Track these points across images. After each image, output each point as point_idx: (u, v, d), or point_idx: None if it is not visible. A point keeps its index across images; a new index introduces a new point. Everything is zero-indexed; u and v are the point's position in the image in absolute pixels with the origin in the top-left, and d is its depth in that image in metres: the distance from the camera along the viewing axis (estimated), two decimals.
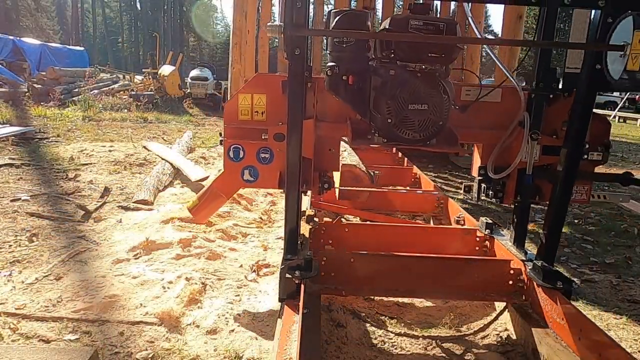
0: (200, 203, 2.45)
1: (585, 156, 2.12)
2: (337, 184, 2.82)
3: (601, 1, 1.63)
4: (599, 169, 2.27)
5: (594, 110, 1.97)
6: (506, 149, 2.22)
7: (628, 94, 24.49)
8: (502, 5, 4.46)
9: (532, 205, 4.95)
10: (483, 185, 2.35)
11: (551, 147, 2.16)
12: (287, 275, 1.96)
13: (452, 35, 1.91)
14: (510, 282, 2.22)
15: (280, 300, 1.99)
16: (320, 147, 2.27)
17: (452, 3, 8.70)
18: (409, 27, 1.86)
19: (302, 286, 1.94)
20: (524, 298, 2.17)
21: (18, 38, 17.41)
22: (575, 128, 1.93)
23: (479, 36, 2.43)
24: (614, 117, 19.97)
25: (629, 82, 1.69)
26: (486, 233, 2.61)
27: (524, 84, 2.22)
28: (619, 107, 21.75)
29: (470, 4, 2.41)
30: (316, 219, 2.70)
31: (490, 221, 2.62)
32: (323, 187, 2.30)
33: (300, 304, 1.82)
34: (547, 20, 2.04)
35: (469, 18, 2.24)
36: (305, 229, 2.51)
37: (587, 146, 2.11)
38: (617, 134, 13.78)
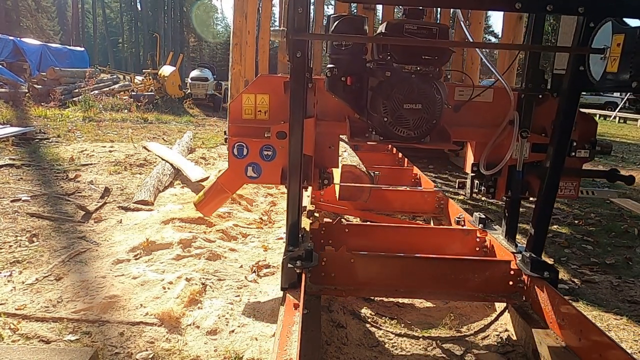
0: (206, 198, 2.59)
1: (573, 153, 2.22)
2: (337, 185, 2.84)
3: (580, 8, 1.70)
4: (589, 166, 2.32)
5: (583, 110, 2.09)
6: (497, 146, 2.31)
7: (628, 94, 24.50)
8: None
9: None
10: (476, 181, 2.43)
11: (540, 145, 2.24)
12: (289, 265, 2.04)
13: (444, 39, 2.04)
14: (511, 283, 2.22)
15: (282, 289, 2.07)
16: (320, 144, 2.36)
17: None
18: (403, 31, 1.97)
19: (303, 282, 1.99)
20: (524, 298, 2.17)
21: (18, 38, 17.41)
22: (561, 126, 2.04)
23: (470, 40, 2.53)
24: (615, 117, 19.97)
25: (608, 82, 1.78)
26: (479, 227, 2.68)
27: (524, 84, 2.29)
28: (619, 107, 21.75)
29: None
30: (316, 214, 2.81)
31: (483, 216, 2.71)
32: (323, 183, 2.41)
33: (301, 303, 1.82)
34: (535, 25, 2.13)
35: (461, 22, 2.35)
36: (305, 223, 2.61)
37: (574, 144, 2.21)
38: (618, 135, 13.78)
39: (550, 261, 3.31)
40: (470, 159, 2.49)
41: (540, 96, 2.21)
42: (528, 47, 2.27)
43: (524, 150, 2.23)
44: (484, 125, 2.34)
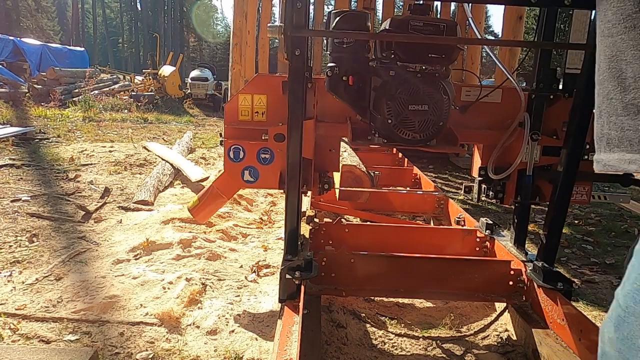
0: (201, 203, 2.45)
1: (586, 157, 2.10)
2: (337, 185, 2.83)
3: None
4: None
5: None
6: (506, 149, 2.21)
7: None
8: (503, 6, 4.49)
9: (532, 206, 4.93)
10: (483, 185, 2.34)
11: (551, 148, 2.16)
12: (288, 276, 1.95)
13: (452, 35, 1.91)
14: (511, 283, 2.22)
15: (280, 301, 1.98)
16: (320, 147, 2.27)
17: (453, 4, 8.69)
18: (409, 28, 1.85)
19: (303, 287, 1.95)
20: (524, 298, 2.17)
21: (18, 38, 17.42)
22: (575, 129, 1.92)
23: (479, 37, 2.40)
24: None
25: None
26: (486, 233, 2.60)
27: (524, 84, 2.22)
28: None
29: (470, 4, 2.40)
30: (316, 220, 2.70)
31: (490, 222, 2.62)
32: (323, 188, 2.30)
33: (301, 304, 1.82)
34: (547, 21, 2.03)
35: (469, 19, 2.26)
36: (305, 229, 2.53)
37: (587, 147, 2.07)
38: None
39: None
40: (477, 162, 2.39)
41: (551, 97, 2.11)
42: (540, 44, 2.15)
43: (534, 153, 2.12)
44: (492, 127, 2.24)
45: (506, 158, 2.20)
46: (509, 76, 2.11)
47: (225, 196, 2.39)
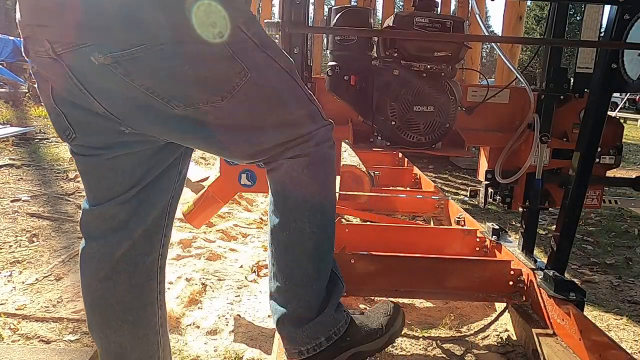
0: (196, 208, 2.39)
1: (597, 160, 2.02)
2: (337, 186, 2.83)
3: None
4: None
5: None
6: (514, 152, 2.14)
7: (628, 94, 24.47)
8: (503, 6, 4.48)
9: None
10: (490, 190, 2.25)
11: (561, 150, 2.10)
12: None
13: (459, 33, 1.84)
14: (511, 283, 2.22)
15: None
16: None
17: (453, 2, 8.69)
18: (413, 25, 1.77)
19: None
20: (524, 299, 2.17)
21: (18, 39, 17.40)
22: (589, 131, 1.84)
23: (486, 33, 2.28)
24: (615, 117, 19.97)
25: None
26: (493, 239, 2.50)
27: (522, 85, 2.20)
28: (619, 107, 21.73)
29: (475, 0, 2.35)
30: None
31: (497, 226, 2.52)
32: None
33: None
34: (558, 16, 1.93)
35: (477, 15, 2.19)
36: None
37: (598, 149, 2.00)
38: None
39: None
40: (483, 165, 2.30)
41: (562, 97, 2.01)
42: (551, 42, 2.04)
43: (543, 156, 2.03)
44: (499, 129, 2.16)
45: (514, 161, 2.13)
46: (518, 75, 2.05)
47: (221, 201, 2.33)
